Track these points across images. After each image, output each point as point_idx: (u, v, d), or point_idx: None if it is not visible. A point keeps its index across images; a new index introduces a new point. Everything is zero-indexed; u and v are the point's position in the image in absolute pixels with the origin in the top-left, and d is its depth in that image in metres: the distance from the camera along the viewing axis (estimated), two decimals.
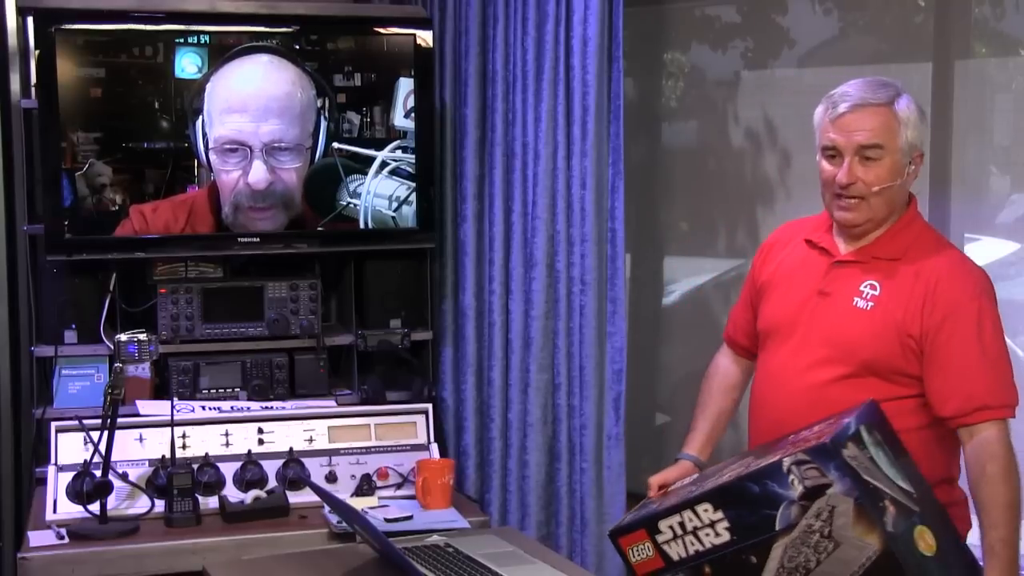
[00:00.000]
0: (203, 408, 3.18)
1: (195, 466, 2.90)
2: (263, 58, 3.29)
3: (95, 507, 2.78)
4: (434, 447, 3.17)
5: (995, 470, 2.13)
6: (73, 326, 3.25)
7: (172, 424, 2.94)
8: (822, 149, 2.26)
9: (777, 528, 2.02)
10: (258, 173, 3.25)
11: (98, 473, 2.81)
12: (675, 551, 2.16)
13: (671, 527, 2.16)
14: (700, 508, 2.12)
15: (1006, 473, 2.14)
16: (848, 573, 1.99)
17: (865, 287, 2.26)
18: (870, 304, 2.24)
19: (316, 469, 3.04)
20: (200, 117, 3.24)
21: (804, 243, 2.41)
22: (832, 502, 1.97)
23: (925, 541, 2.03)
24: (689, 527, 2.14)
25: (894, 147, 2.20)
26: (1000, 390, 2.18)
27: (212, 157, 3.24)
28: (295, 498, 2.94)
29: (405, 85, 3.41)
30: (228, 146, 3.25)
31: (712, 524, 2.11)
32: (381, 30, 3.42)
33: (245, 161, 3.25)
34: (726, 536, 2.09)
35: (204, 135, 3.24)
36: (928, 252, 2.26)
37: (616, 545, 2.26)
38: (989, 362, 2.18)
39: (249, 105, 3.26)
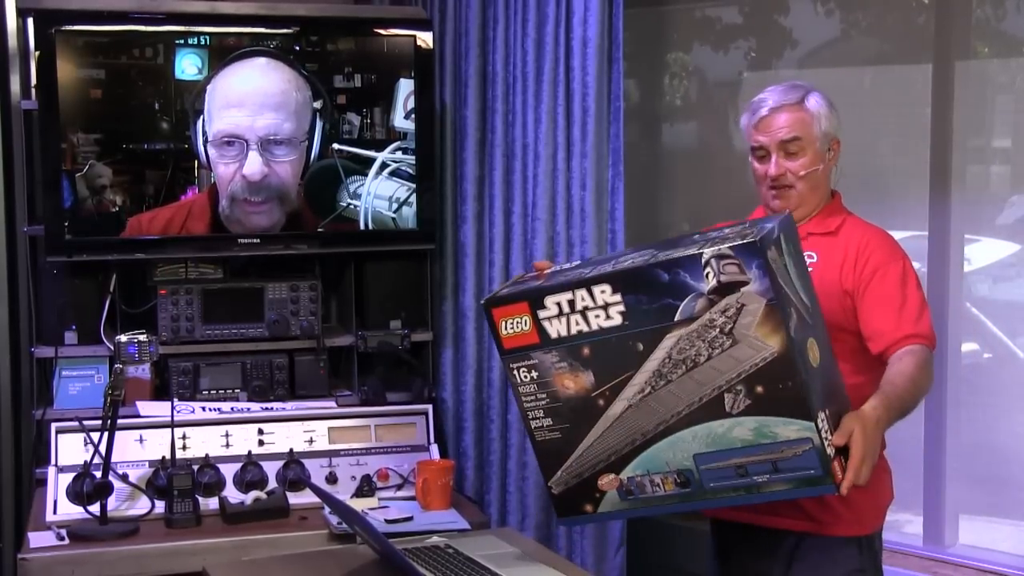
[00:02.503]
0: (203, 409, 3.18)
1: (195, 467, 2.90)
2: (260, 60, 3.30)
3: (95, 508, 2.78)
4: (434, 448, 3.17)
5: (914, 359, 2.29)
6: (73, 327, 3.25)
7: (172, 425, 2.94)
8: (752, 151, 2.53)
9: (676, 319, 2.03)
10: (253, 165, 3.26)
11: (98, 474, 2.81)
12: (555, 329, 2.12)
13: (558, 303, 2.12)
14: (597, 288, 2.09)
15: (924, 364, 2.30)
16: (736, 371, 2.02)
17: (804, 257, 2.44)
18: (809, 271, 2.38)
19: (316, 470, 3.04)
20: (201, 117, 3.24)
21: None
22: (743, 300, 1.99)
23: (813, 353, 2.07)
24: (579, 306, 2.10)
25: (811, 138, 2.47)
26: (925, 326, 2.38)
27: (210, 151, 3.26)
28: (295, 499, 2.94)
29: (405, 86, 3.41)
30: (225, 139, 3.26)
31: (606, 306, 2.08)
32: (381, 31, 3.43)
33: (241, 154, 3.26)
34: (617, 320, 2.07)
35: (204, 133, 3.25)
36: (857, 227, 2.52)
37: (488, 315, 2.19)
38: (914, 306, 2.39)
39: (246, 101, 3.27)
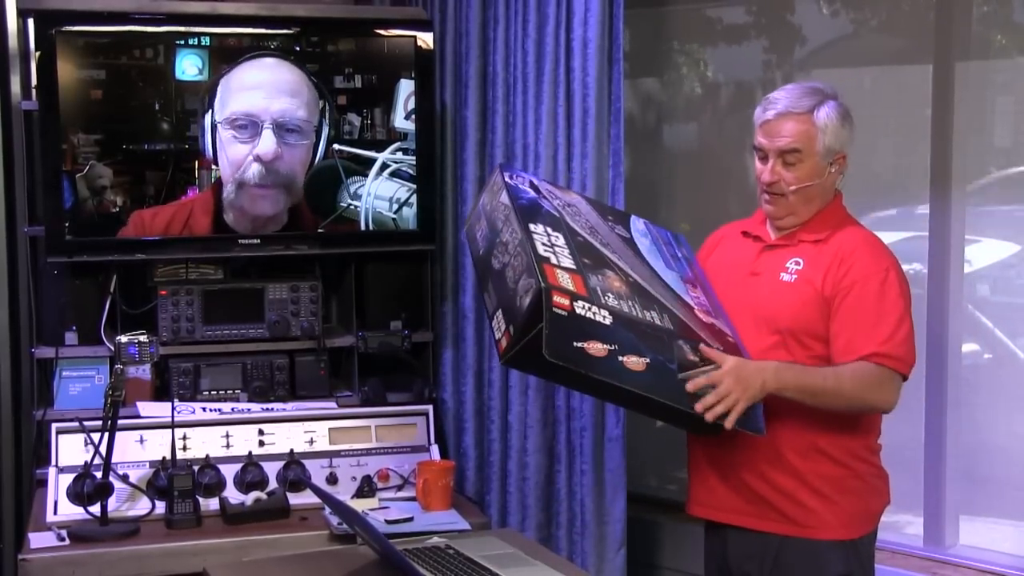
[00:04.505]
0: (204, 410, 3.18)
1: (196, 468, 2.90)
2: (269, 60, 3.31)
3: (96, 509, 2.79)
4: (435, 448, 3.17)
5: (860, 370, 2.32)
6: (73, 328, 3.25)
7: (173, 426, 2.94)
8: (755, 148, 2.51)
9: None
10: (267, 143, 3.26)
11: (99, 475, 2.81)
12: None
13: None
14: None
15: (868, 377, 2.32)
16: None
17: (790, 263, 2.47)
18: (794, 277, 2.45)
19: (317, 471, 3.04)
20: (210, 110, 3.24)
21: (740, 234, 2.63)
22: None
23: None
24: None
25: (812, 151, 2.43)
26: (895, 345, 2.35)
27: (223, 134, 3.25)
28: (296, 500, 2.94)
29: (406, 87, 3.41)
30: (240, 121, 3.26)
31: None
32: (382, 32, 3.43)
33: (256, 134, 3.26)
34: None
35: (213, 125, 3.24)
36: (848, 232, 2.48)
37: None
38: (889, 325, 2.36)
39: (263, 84, 3.28)
